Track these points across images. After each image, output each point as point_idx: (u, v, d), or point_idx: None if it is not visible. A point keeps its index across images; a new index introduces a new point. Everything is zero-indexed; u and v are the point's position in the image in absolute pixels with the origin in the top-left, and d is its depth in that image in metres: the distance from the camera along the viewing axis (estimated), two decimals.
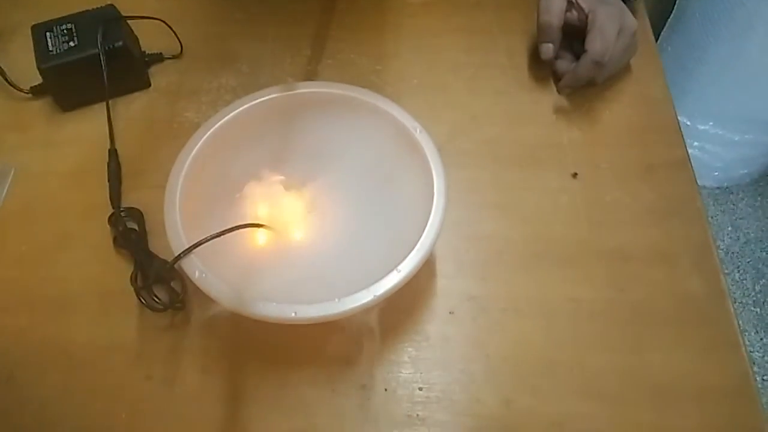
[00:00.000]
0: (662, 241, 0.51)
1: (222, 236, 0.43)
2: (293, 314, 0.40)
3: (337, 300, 0.40)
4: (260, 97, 0.51)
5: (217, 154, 0.49)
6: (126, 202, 0.54)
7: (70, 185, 0.56)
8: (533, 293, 0.49)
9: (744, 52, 1.14)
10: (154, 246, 0.51)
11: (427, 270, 0.49)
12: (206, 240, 0.41)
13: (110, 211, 0.53)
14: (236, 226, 0.44)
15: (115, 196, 0.53)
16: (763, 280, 1.34)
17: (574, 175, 0.55)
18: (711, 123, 1.27)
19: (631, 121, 0.58)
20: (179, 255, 0.41)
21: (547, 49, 0.59)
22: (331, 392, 0.45)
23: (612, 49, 0.55)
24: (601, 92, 0.60)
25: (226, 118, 0.49)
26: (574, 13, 0.58)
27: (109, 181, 0.54)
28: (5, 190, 0.56)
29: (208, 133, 0.48)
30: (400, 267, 0.42)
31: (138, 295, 0.47)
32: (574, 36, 0.59)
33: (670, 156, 0.56)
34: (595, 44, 0.54)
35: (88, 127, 0.60)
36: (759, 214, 1.42)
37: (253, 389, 0.45)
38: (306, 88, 0.51)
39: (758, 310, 1.30)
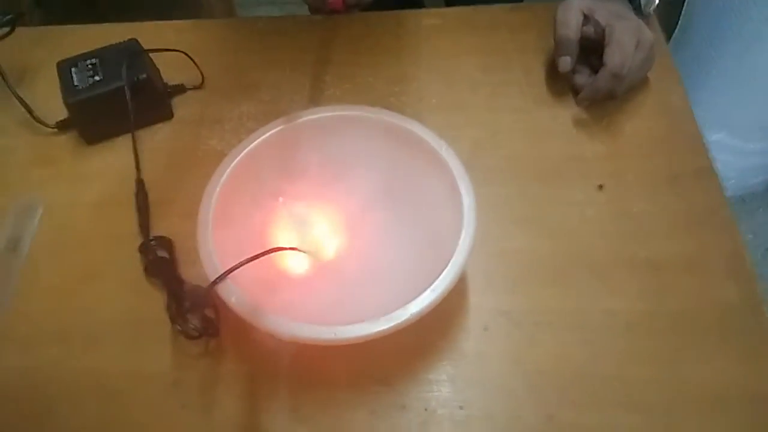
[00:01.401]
0: (693, 250, 0.51)
1: (254, 261, 0.43)
2: (332, 335, 0.40)
3: (374, 320, 0.40)
4: (284, 123, 0.51)
5: (245, 180, 0.49)
6: (154, 231, 0.54)
7: (98, 217, 0.57)
8: (566, 306, 0.49)
9: (752, 61, 1.15)
10: (185, 273, 0.51)
11: (458, 287, 0.49)
12: (241, 264, 0.41)
13: (139, 240, 0.53)
14: (269, 250, 0.44)
15: (145, 225, 0.54)
16: None
17: (600, 187, 0.55)
18: (723, 133, 1.27)
19: (653, 132, 0.59)
20: (216, 279, 0.41)
21: (565, 62, 0.59)
22: (370, 414, 0.44)
23: (630, 61, 0.55)
24: (621, 105, 0.61)
25: (253, 144, 0.50)
26: (591, 27, 0.58)
27: (137, 211, 0.55)
28: (35, 225, 0.56)
29: (236, 160, 0.49)
30: (434, 285, 0.42)
31: (173, 322, 0.47)
32: (591, 50, 0.60)
33: (695, 164, 0.56)
34: (614, 57, 0.55)
35: (113, 159, 0.61)
36: None
37: (290, 414, 0.45)
38: (330, 112, 0.52)
39: None
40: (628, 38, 0.55)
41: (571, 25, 0.58)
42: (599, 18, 0.57)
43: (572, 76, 0.61)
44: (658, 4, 0.63)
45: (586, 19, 0.58)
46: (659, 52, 0.62)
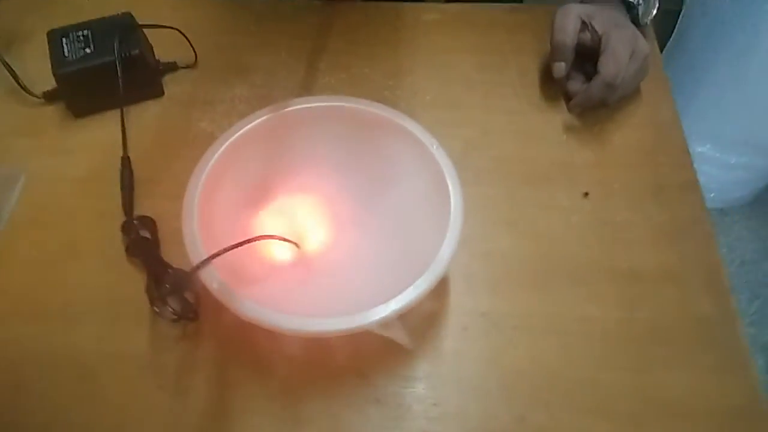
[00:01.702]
0: (672, 262, 0.52)
1: (238, 248, 0.43)
2: (311, 327, 0.40)
3: (354, 314, 0.40)
4: (277, 110, 0.51)
5: (233, 166, 0.49)
6: (138, 210, 0.54)
7: (81, 192, 0.56)
8: (545, 311, 0.49)
9: (743, 75, 1.16)
10: (166, 255, 0.50)
11: (440, 285, 0.49)
12: (226, 250, 0.41)
13: (122, 219, 0.53)
14: (255, 238, 0.44)
15: (128, 204, 0.53)
16: (758, 301, 1.35)
17: (586, 194, 0.55)
18: (708, 145, 1.29)
19: (641, 143, 0.59)
20: (200, 264, 0.41)
21: (560, 68, 0.60)
22: (345, 407, 0.45)
23: (624, 71, 0.56)
24: (612, 114, 0.61)
25: (244, 129, 0.49)
26: (588, 34, 0.59)
27: (122, 189, 0.54)
28: (15, 196, 0.55)
29: (226, 144, 0.48)
30: (417, 283, 0.42)
31: (152, 304, 0.46)
32: (586, 57, 0.60)
33: (680, 178, 0.57)
34: (608, 66, 0.55)
35: (100, 134, 0.60)
36: (754, 237, 1.44)
37: (265, 402, 0.45)
38: (323, 102, 0.52)
39: (753, 330, 1.31)
40: (623, 48, 0.56)
41: (568, 31, 0.58)
42: (596, 25, 0.58)
43: (566, 82, 0.61)
44: (655, 15, 0.63)
45: (584, 25, 0.59)
46: (653, 63, 0.62)
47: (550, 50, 0.60)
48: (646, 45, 0.57)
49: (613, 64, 0.55)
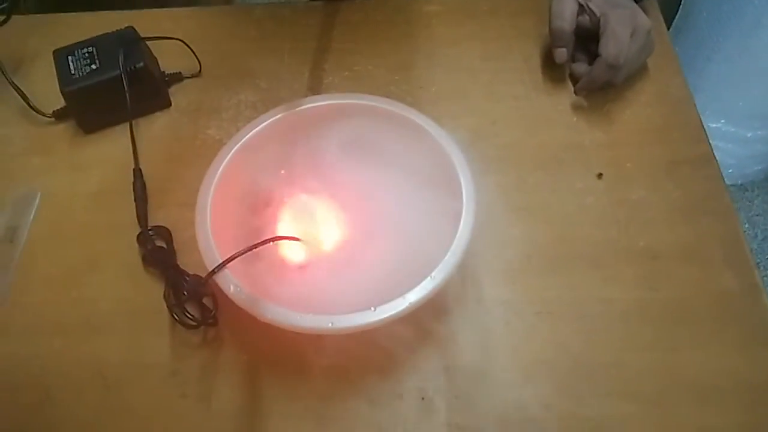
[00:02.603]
0: (692, 238, 0.51)
1: (252, 251, 0.43)
2: (330, 325, 0.40)
3: (372, 309, 0.40)
4: (283, 112, 0.51)
5: (244, 170, 0.49)
6: (152, 220, 0.54)
7: (96, 206, 0.56)
8: (565, 295, 0.49)
9: (753, 48, 1.14)
10: (183, 263, 0.51)
11: (457, 276, 0.49)
12: (240, 254, 0.41)
13: (137, 230, 0.53)
14: (268, 239, 0.44)
15: (143, 215, 0.54)
16: None
17: (599, 175, 0.55)
18: (723, 120, 1.27)
19: (652, 120, 0.58)
20: (215, 269, 0.41)
21: (561, 54, 0.59)
22: (368, 404, 0.45)
23: (626, 51, 0.55)
24: (621, 92, 0.60)
25: (251, 133, 0.50)
26: (586, 17, 0.58)
27: (135, 200, 0.54)
28: (32, 214, 0.56)
29: (235, 148, 0.49)
30: (433, 274, 0.42)
31: (171, 312, 0.47)
32: (588, 38, 0.59)
33: (694, 152, 0.56)
34: (608, 48, 0.54)
35: (110, 148, 0.60)
36: None
37: (289, 403, 0.45)
38: (329, 100, 0.52)
39: None
40: (622, 27, 0.55)
41: (565, 17, 0.57)
42: (594, 7, 0.57)
43: (571, 64, 0.60)
44: None
45: (581, 8, 0.58)
46: (659, 38, 0.61)
47: (550, 37, 0.59)
48: (647, 21, 0.56)
49: (613, 45, 0.54)
